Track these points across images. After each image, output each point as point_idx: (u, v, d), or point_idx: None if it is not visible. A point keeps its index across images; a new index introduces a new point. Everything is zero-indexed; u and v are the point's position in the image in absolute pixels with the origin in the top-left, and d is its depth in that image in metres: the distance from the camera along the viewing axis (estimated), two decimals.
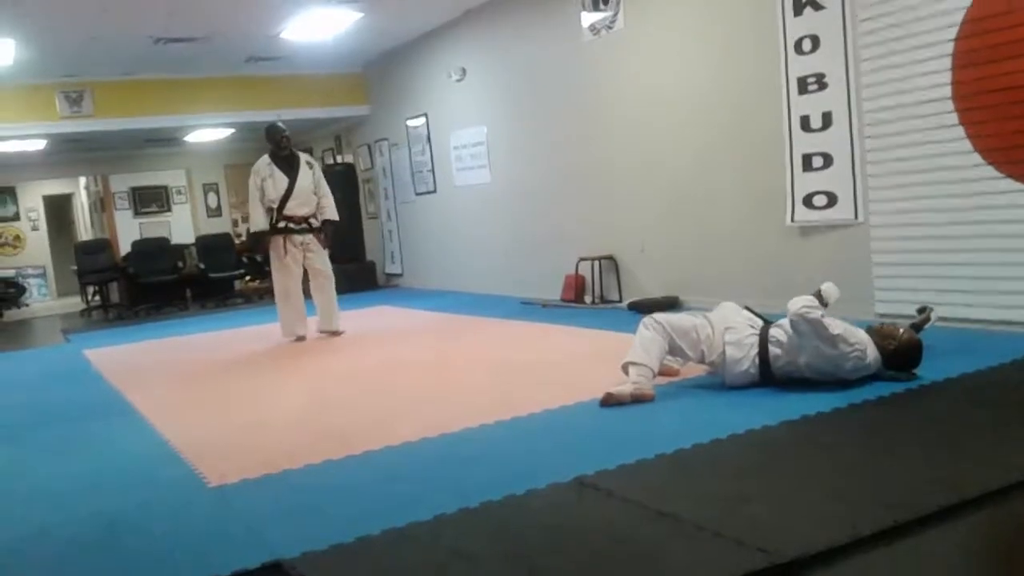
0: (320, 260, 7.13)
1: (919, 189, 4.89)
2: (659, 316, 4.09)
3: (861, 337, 3.79)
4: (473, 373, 5.10)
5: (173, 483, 3.37)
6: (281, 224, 7.00)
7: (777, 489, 2.67)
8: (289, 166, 7.07)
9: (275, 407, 4.65)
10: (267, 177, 7.00)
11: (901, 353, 3.81)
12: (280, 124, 7.28)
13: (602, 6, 7.12)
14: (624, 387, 3.90)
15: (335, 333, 7.16)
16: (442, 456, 3.37)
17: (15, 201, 16.48)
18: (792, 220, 5.67)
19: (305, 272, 7.13)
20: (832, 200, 5.41)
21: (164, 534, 2.83)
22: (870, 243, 5.20)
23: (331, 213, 7.22)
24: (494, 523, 2.59)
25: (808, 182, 5.54)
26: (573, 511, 2.65)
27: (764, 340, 3.88)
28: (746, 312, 4.10)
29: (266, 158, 7.12)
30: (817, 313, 3.76)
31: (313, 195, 7.12)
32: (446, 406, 4.23)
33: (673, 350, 4.03)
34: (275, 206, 6.99)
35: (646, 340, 3.99)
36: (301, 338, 7.08)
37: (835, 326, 3.75)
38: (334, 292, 7.21)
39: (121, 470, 3.68)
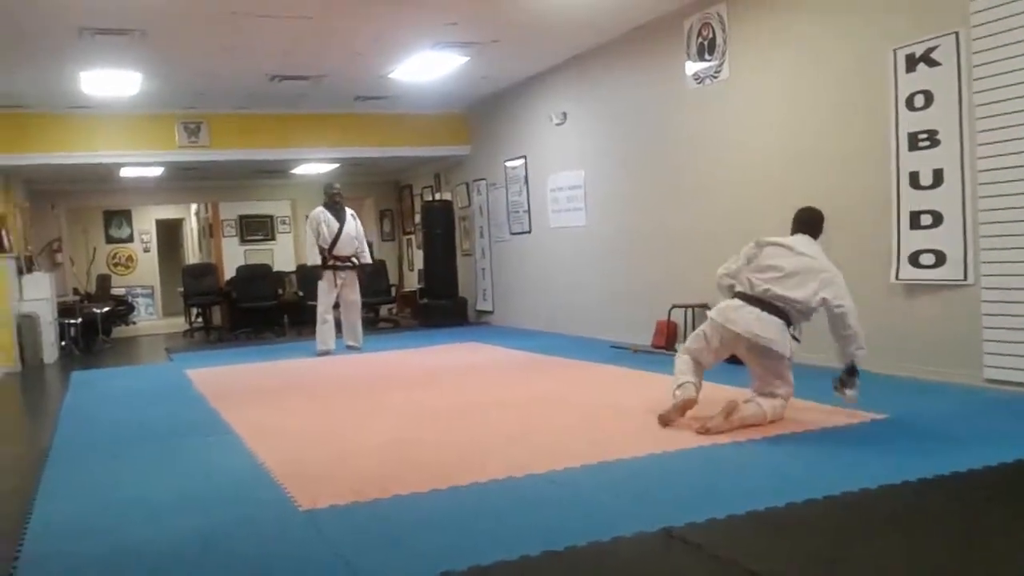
0: (352, 291, 9.01)
1: None
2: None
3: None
4: (560, 415, 5.08)
5: (266, 505, 3.46)
6: (331, 262, 8.84)
7: (874, 557, 2.56)
8: (338, 216, 8.94)
9: (367, 436, 4.72)
10: (322, 223, 8.87)
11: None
12: (336, 185, 9.21)
13: (707, 56, 7.12)
14: (668, 408, 4.38)
15: (355, 348, 8.98)
16: (528, 496, 3.36)
17: (130, 224, 17.35)
18: (896, 278, 5.50)
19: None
20: (940, 259, 5.23)
21: (254, 554, 2.90)
22: (980, 305, 5.00)
23: (366, 258, 9.18)
24: (579, 569, 2.57)
25: (915, 240, 5.38)
26: (660, 563, 2.61)
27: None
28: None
29: (321, 208, 9.03)
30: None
31: (355, 240, 8.99)
32: (533, 446, 4.23)
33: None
34: (327, 247, 8.82)
35: (680, 364, 4.57)
36: (329, 350, 8.78)
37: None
38: (359, 317, 9.19)
39: (216, 488, 3.78)
